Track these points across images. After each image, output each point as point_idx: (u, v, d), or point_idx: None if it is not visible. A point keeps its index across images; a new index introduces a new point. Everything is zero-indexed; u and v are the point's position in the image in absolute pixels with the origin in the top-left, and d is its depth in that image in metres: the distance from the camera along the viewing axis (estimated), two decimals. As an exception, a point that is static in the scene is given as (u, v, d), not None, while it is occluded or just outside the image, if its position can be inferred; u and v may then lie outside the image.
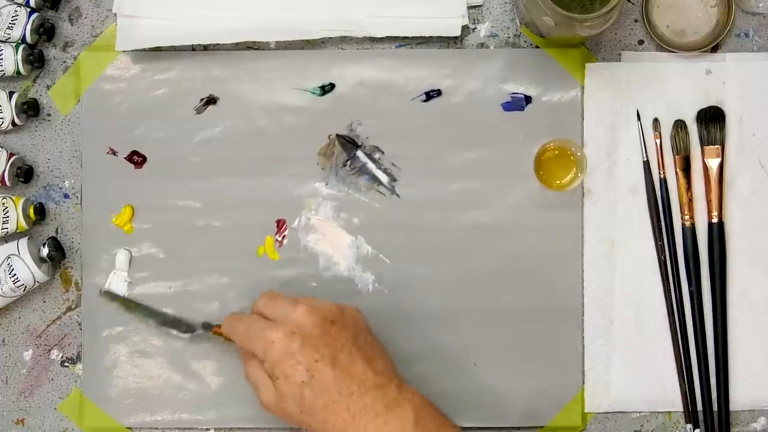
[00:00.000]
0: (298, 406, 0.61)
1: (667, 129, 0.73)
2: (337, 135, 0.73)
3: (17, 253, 0.71)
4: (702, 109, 0.72)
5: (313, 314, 0.62)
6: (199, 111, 0.74)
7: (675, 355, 0.72)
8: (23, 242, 0.71)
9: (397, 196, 0.73)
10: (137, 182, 0.74)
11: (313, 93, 0.74)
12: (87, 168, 0.74)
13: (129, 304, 0.73)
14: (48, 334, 0.74)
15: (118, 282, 0.74)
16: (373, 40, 0.73)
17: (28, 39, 0.73)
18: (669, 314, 0.72)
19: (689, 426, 0.72)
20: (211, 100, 0.74)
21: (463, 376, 0.73)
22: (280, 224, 0.74)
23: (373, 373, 0.61)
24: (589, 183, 0.73)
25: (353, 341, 0.62)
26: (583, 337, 0.72)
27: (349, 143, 0.73)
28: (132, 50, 0.73)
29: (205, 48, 0.74)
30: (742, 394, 0.72)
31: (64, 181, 0.75)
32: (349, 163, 0.73)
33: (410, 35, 0.73)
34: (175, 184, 0.74)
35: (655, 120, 0.73)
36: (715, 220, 0.72)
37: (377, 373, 0.61)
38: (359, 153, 0.73)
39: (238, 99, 0.74)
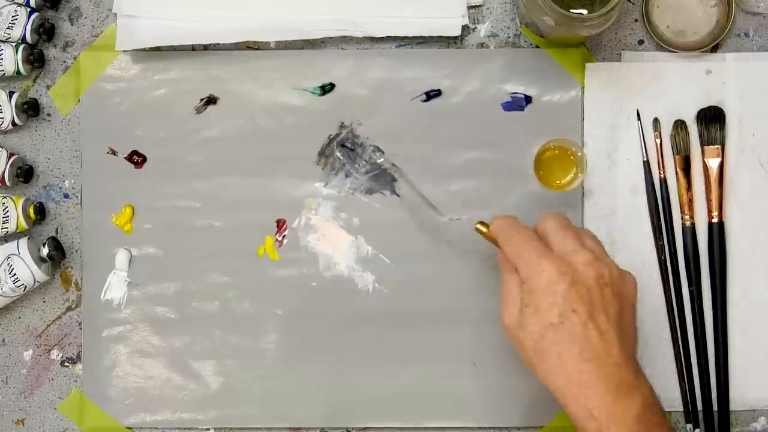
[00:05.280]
0: (533, 342, 0.58)
1: (667, 129, 0.73)
2: (337, 143, 0.73)
3: (17, 253, 0.71)
4: (702, 109, 0.72)
5: (593, 267, 0.58)
6: (199, 111, 0.74)
7: (675, 355, 0.72)
8: (23, 242, 0.71)
9: (397, 196, 0.73)
10: (137, 182, 0.74)
11: (313, 93, 0.74)
12: (87, 168, 0.74)
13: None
14: (48, 334, 0.74)
15: (118, 282, 0.74)
16: (373, 40, 0.73)
17: (28, 39, 0.73)
18: (669, 314, 0.72)
19: (689, 426, 0.72)
20: (211, 100, 0.74)
21: (463, 376, 0.73)
22: (280, 224, 0.74)
23: (619, 351, 0.57)
24: (589, 183, 0.73)
25: (617, 311, 0.58)
26: (583, 337, 0.72)
27: (348, 149, 0.73)
28: (132, 50, 0.73)
29: (205, 48, 0.74)
30: (742, 394, 0.72)
31: (64, 181, 0.75)
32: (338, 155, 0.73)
33: (410, 35, 0.73)
34: (175, 184, 0.74)
35: (655, 120, 0.73)
36: (715, 220, 0.72)
37: (623, 353, 0.57)
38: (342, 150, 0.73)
39: (238, 99, 0.74)
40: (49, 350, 0.74)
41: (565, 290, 0.57)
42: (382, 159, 0.73)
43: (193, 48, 0.74)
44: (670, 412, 0.73)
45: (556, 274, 0.58)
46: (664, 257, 0.72)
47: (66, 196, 0.75)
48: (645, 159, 0.73)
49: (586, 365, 0.57)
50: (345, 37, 0.73)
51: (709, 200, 0.72)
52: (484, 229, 0.66)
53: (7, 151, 0.73)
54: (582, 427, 0.57)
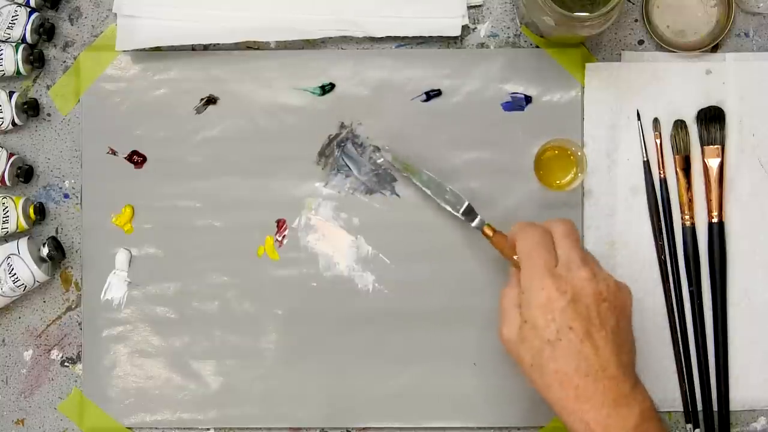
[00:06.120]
0: (531, 358, 0.60)
1: (667, 129, 0.73)
2: (338, 143, 0.73)
3: (17, 253, 0.71)
4: (702, 109, 0.72)
5: (592, 284, 0.59)
6: (199, 111, 0.74)
7: (675, 355, 0.72)
8: (23, 242, 0.71)
9: (397, 196, 0.73)
10: (137, 182, 0.74)
11: (313, 93, 0.74)
12: (87, 168, 0.74)
13: (409, 167, 0.71)
14: (48, 334, 0.74)
15: (118, 282, 0.74)
16: (373, 40, 0.73)
17: (28, 39, 0.73)
18: (669, 314, 0.72)
19: (689, 426, 0.72)
20: (211, 100, 0.74)
21: (463, 376, 0.73)
22: (280, 224, 0.74)
23: (616, 364, 0.58)
24: (589, 183, 0.73)
25: (613, 325, 0.59)
26: (583, 337, 0.72)
27: (347, 153, 0.73)
28: (132, 50, 0.73)
29: (205, 48, 0.74)
30: (742, 394, 0.72)
31: (64, 181, 0.75)
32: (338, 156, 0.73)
33: (410, 35, 0.73)
34: (175, 184, 0.74)
35: (655, 120, 0.73)
36: (715, 220, 0.72)
37: (620, 365, 0.58)
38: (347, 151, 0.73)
39: (238, 99, 0.74)
40: (49, 350, 0.74)
41: (563, 308, 0.59)
42: (382, 159, 0.73)
43: (193, 48, 0.74)
44: (670, 412, 0.73)
45: (556, 292, 0.59)
46: (664, 257, 0.72)
47: (66, 196, 0.75)
48: (645, 159, 0.73)
49: (582, 380, 0.58)
50: (345, 37, 0.73)
51: (709, 200, 0.72)
52: (490, 234, 0.67)
53: (7, 151, 0.73)
54: None
